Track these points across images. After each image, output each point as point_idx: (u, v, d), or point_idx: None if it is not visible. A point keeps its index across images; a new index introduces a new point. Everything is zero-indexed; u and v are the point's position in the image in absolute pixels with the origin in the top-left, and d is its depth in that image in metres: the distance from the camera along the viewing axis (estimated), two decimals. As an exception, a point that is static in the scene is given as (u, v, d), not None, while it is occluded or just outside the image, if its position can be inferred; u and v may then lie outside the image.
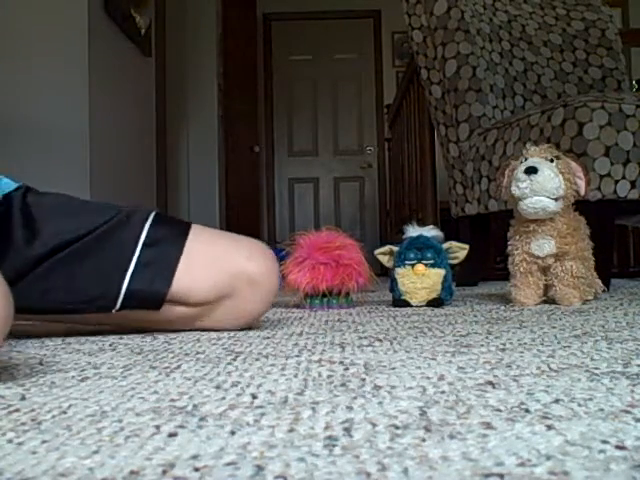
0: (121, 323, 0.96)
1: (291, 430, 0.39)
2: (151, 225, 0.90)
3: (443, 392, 0.48)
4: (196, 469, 0.32)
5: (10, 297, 0.58)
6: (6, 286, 0.58)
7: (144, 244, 0.88)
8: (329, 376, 0.56)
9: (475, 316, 1.09)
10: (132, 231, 0.89)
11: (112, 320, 0.93)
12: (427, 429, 0.38)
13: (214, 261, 0.90)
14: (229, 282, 0.90)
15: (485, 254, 2.25)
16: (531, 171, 1.22)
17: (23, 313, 0.75)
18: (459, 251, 1.40)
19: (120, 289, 0.87)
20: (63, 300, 0.87)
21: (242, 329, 0.97)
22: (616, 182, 1.58)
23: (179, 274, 0.88)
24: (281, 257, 1.40)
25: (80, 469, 0.32)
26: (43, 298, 0.86)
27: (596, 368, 0.57)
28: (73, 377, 0.59)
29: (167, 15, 3.81)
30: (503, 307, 1.27)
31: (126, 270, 0.87)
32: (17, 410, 0.46)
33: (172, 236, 0.90)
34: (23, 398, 0.50)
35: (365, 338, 0.83)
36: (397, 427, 0.39)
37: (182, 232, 0.91)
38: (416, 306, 1.34)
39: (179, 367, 0.64)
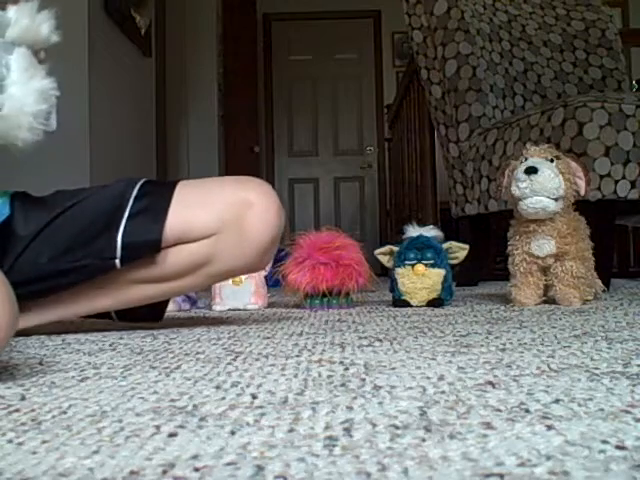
0: (133, 290, 0.95)
1: (291, 430, 0.39)
2: (142, 185, 0.94)
3: (443, 392, 0.48)
4: (196, 469, 0.32)
5: (15, 301, 0.58)
6: (10, 289, 0.58)
7: (135, 198, 0.91)
8: (329, 376, 0.56)
9: (475, 316, 1.09)
10: (125, 191, 0.93)
11: (124, 290, 0.94)
12: (427, 429, 0.38)
13: (208, 195, 0.95)
14: (228, 209, 0.92)
15: (485, 254, 2.25)
16: (531, 171, 1.22)
17: (23, 286, 0.75)
18: (459, 251, 1.40)
19: (116, 237, 0.89)
20: (65, 260, 0.88)
21: (242, 329, 0.97)
22: (616, 182, 1.58)
23: (176, 211, 0.91)
24: (281, 257, 1.40)
25: (80, 469, 0.32)
26: (41, 264, 0.88)
27: (596, 368, 0.57)
28: (73, 377, 0.59)
29: (167, 15, 3.80)
30: (503, 307, 1.27)
31: (120, 220, 0.90)
32: (17, 410, 0.46)
33: (161, 187, 0.95)
34: (23, 398, 0.50)
35: (365, 338, 0.83)
36: (397, 427, 0.39)
37: (171, 183, 0.96)
38: (416, 306, 1.34)
39: (179, 367, 0.64)
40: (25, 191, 0.96)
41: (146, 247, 0.91)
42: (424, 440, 0.36)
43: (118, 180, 0.96)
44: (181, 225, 0.91)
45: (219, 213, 0.92)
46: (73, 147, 2.38)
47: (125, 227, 0.89)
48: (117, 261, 0.89)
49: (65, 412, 0.45)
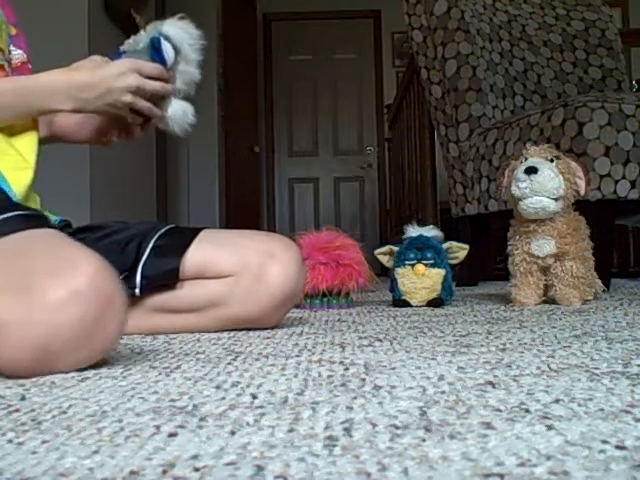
0: (145, 318, 0.96)
1: (291, 430, 0.39)
2: (168, 228, 0.98)
3: (443, 392, 0.48)
4: (196, 469, 0.32)
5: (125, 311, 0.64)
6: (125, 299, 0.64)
7: (160, 235, 0.96)
8: (329, 376, 0.56)
9: (475, 316, 1.09)
10: (152, 225, 0.98)
11: (137, 316, 0.95)
12: (427, 429, 0.38)
13: (233, 239, 0.97)
14: (251, 254, 0.93)
15: (485, 254, 2.25)
16: (531, 171, 1.22)
17: None
18: (459, 251, 1.40)
19: (136, 271, 0.92)
20: None
21: (243, 329, 0.97)
22: (616, 182, 1.57)
23: (199, 246, 0.94)
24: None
25: (80, 469, 0.32)
26: None
27: (596, 368, 0.57)
28: (73, 377, 0.59)
29: (167, 15, 3.80)
30: (503, 307, 1.27)
31: (142, 255, 0.93)
32: (17, 410, 0.46)
33: (186, 229, 1.00)
34: (23, 398, 0.50)
35: (365, 338, 0.83)
36: (397, 427, 0.39)
37: (197, 228, 0.99)
38: (416, 306, 1.34)
39: (179, 367, 0.64)
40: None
41: (165, 276, 0.93)
42: (424, 440, 0.36)
43: (147, 221, 1.02)
44: (202, 259, 0.94)
45: (241, 256, 0.94)
46: (72, 146, 2.38)
47: (146, 261, 0.92)
48: (137, 290, 0.92)
49: (65, 412, 0.45)
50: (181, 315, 0.96)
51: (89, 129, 1.05)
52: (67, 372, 0.60)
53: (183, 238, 0.96)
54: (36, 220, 0.76)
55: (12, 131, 0.92)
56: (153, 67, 0.90)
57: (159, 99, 0.92)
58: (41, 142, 1.04)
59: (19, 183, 0.89)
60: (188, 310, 0.95)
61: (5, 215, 0.73)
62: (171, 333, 0.96)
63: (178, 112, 0.94)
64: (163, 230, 0.96)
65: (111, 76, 0.88)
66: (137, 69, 0.89)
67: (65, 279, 0.59)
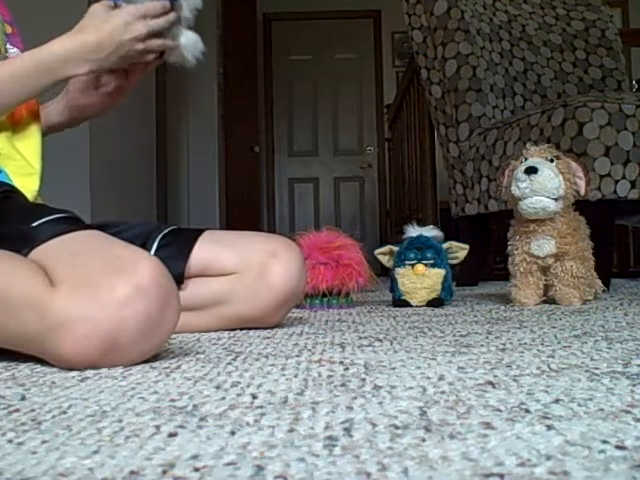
0: None
1: (291, 430, 0.39)
2: (170, 229, 0.98)
3: (443, 392, 0.48)
4: (196, 469, 0.32)
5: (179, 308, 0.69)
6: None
7: (163, 236, 0.96)
8: (329, 376, 0.56)
9: (475, 316, 1.09)
10: (154, 226, 0.98)
11: None
12: (427, 429, 0.38)
13: (236, 239, 0.98)
14: (253, 253, 0.94)
15: (485, 254, 2.25)
16: (531, 171, 1.22)
17: None
18: (459, 251, 1.40)
19: None
20: None
21: (243, 328, 0.97)
22: (616, 182, 1.57)
23: (203, 245, 0.95)
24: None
25: (80, 469, 0.32)
26: None
27: (596, 368, 0.57)
28: (73, 377, 0.59)
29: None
30: (503, 307, 1.27)
31: (150, 246, 0.93)
32: (17, 410, 0.46)
33: (189, 230, 1.00)
34: (23, 398, 0.50)
35: (365, 338, 0.83)
36: (397, 427, 0.39)
37: (198, 230, 1.00)
38: (416, 306, 1.34)
39: (179, 367, 0.64)
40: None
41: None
42: (424, 440, 0.36)
43: (148, 222, 1.02)
44: (205, 257, 0.94)
45: (243, 254, 0.94)
46: (73, 146, 2.38)
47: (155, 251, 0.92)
48: None
49: (65, 412, 0.45)
50: (183, 314, 0.96)
51: (109, 93, 1.04)
52: (67, 372, 0.60)
53: (186, 240, 0.96)
54: (80, 222, 0.78)
55: (15, 132, 0.92)
56: (158, 7, 0.88)
57: (167, 31, 0.91)
58: (63, 127, 1.03)
59: (27, 190, 0.89)
60: (190, 309, 0.95)
61: (48, 218, 0.75)
62: None
63: (190, 40, 0.95)
64: (166, 231, 0.96)
65: (118, 29, 0.86)
66: (142, 14, 0.87)
67: (130, 276, 0.62)
